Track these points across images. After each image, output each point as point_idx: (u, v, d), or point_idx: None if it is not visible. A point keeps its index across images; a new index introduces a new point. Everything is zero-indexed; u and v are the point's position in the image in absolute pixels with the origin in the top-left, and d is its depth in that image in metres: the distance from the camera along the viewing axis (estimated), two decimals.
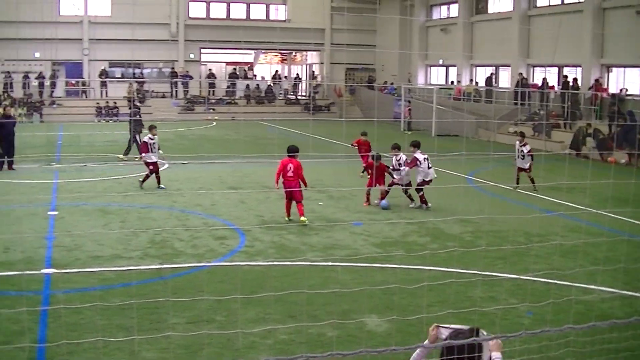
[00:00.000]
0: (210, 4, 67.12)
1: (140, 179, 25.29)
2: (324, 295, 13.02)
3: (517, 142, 26.35)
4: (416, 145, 22.91)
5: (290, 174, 20.33)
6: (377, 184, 22.78)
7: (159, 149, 25.68)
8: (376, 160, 22.46)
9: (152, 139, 25.43)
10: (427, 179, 22.44)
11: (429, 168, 22.47)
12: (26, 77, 59.34)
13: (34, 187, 25.36)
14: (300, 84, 72.81)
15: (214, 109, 61.10)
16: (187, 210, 21.88)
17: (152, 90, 62.50)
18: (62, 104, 59.26)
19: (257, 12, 68.76)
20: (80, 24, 61.90)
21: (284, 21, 68.09)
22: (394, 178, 22.92)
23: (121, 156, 32.21)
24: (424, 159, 22.51)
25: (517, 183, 26.16)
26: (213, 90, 65.24)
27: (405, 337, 11.34)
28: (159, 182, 25.35)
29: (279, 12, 69.35)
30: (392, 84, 64.05)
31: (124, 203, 22.77)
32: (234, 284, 14.18)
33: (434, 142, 38.93)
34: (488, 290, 14.02)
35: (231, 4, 67.58)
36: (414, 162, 22.42)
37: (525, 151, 25.82)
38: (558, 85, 47.40)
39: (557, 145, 39.49)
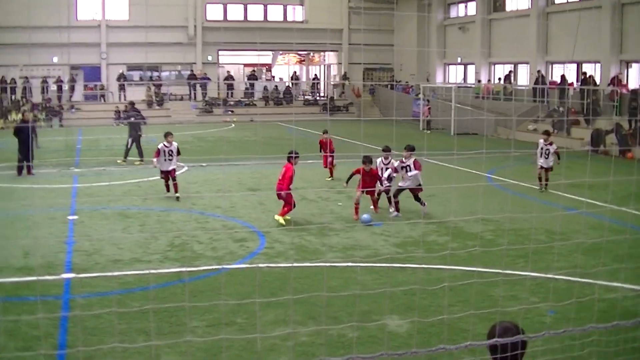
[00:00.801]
0: (228, 5, 67.09)
1: (174, 195, 23.97)
2: (345, 296, 12.96)
3: (542, 141, 25.68)
4: (412, 149, 21.38)
5: (280, 177, 20.43)
6: (367, 193, 21.05)
7: (177, 154, 24.37)
8: (367, 164, 20.97)
9: (167, 146, 24.16)
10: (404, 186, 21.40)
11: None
12: (45, 81, 59.53)
13: (53, 191, 25.39)
14: (318, 85, 72.70)
15: (232, 111, 61.15)
16: (206, 212, 21.86)
17: (171, 93, 62.55)
18: (81, 108, 59.44)
19: (275, 13, 68.72)
20: (98, 28, 62.16)
21: (302, 22, 68.06)
22: (382, 185, 21.60)
23: (138, 161, 32.24)
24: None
25: (541, 181, 25.50)
26: (231, 92, 65.29)
27: (427, 338, 11.27)
28: (176, 190, 24.03)
29: (296, 13, 69.30)
30: (406, 82, 64.05)
31: (143, 206, 22.77)
32: (254, 286, 14.15)
33: (453, 141, 38.86)
34: (509, 289, 13.91)
35: (248, 6, 67.55)
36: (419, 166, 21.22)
37: (551, 150, 25.09)
38: (577, 81, 47.17)
39: (577, 142, 39.28)
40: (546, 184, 25.13)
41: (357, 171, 21.03)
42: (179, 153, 24.49)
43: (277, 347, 11.17)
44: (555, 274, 14.07)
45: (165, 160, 24.14)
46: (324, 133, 28.82)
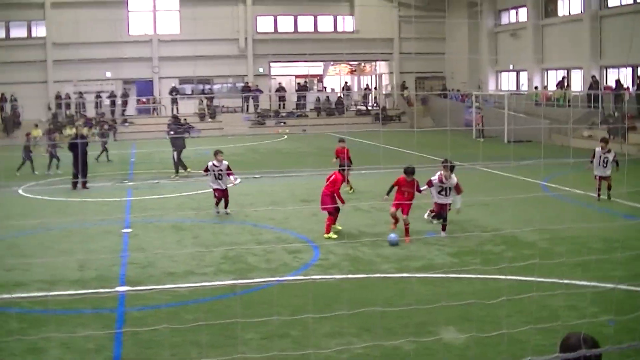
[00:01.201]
0: (278, 17, 67.29)
1: (224, 210, 23.40)
2: (400, 308, 12.81)
3: (599, 149, 24.30)
4: (453, 168, 19.75)
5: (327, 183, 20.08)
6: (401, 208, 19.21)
7: (230, 176, 23.52)
8: (409, 174, 19.25)
9: (216, 166, 23.27)
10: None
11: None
12: (98, 96, 60.27)
13: (107, 205, 25.59)
14: (370, 95, 72.65)
15: (284, 122, 61.33)
16: (259, 224, 21.82)
17: (223, 106, 62.91)
18: (134, 122, 60.02)
19: (325, 24, 68.76)
20: (150, 42, 62.80)
21: (352, 32, 68.01)
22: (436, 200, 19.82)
23: (186, 172, 32.55)
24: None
25: (600, 191, 24.26)
26: (283, 104, 65.48)
27: (483, 350, 11.08)
28: (226, 206, 23.42)
29: (346, 23, 69.24)
30: (458, 90, 63.70)
31: (197, 219, 22.83)
32: (308, 298, 14.05)
33: (507, 149, 38.52)
34: (567, 299, 13.65)
35: (298, 17, 67.68)
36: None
37: (610, 158, 23.89)
38: (632, 86, 46.49)
39: (634, 148, 38.70)
40: (609, 194, 24.15)
41: (397, 182, 19.25)
42: (230, 173, 23.57)
43: None
44: (614, 284, 13.79)
45: (216, 179, 23.35)
46: (340, 142, 27.62)
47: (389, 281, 15.38)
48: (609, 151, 24.17)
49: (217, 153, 23.68)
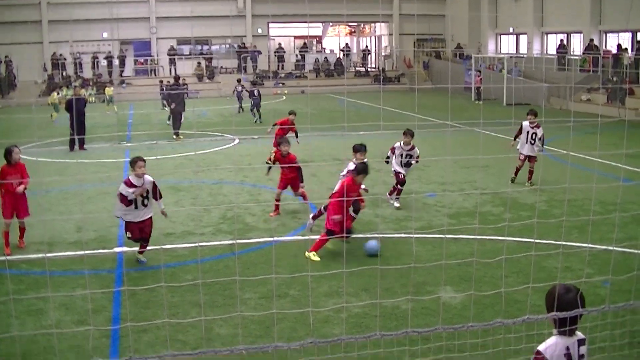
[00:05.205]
0: None
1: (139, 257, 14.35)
2: (398, 267, 12.86)
3: (527, 123, 21.00)
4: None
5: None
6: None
7: (159, 197, 14.36)
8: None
9: (136, 186, 14.00)
10: None
11: None
12: (95, 57, 60.01)
13: (105, 166, 25.57)
14: (369, 56, 72.38)
15: (283, 83, 61.16)
16: (258, 185, 21.82)
17: (221, 67, 62.65)
18: (132, 83, 59.78)
19: None
20: (148, 2, 62.38)
21: None
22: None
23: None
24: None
25: (517, 173, 21.44)
26: (282, 65, 65.24)
27: (481, 309, 11.14)
28: (143, 245, 14.33)
29: None
30: (463, 55, 63.39)
31: (195, 179, 22.82)
32: (306, 258, 14.12)
33: (505, 111, 38.50)
34: (564, 261, 13.71)
35: None
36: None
37: (538, 134, 20.78)
38: (632, 50, 46.31)
39: (632, 112, 38.64)
40: (530, 178, 21.20)
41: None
42: (156, 194, 14.34)
43: (331, 319, 11.12)
44: (610, 245, 13.83)
45: (137, 206, 14.11)
46: (290, 114, 25.06)
47: (388, 241, 15.40)
48: (537, 126, 20.97)
49: (135, 162, 14.23)
